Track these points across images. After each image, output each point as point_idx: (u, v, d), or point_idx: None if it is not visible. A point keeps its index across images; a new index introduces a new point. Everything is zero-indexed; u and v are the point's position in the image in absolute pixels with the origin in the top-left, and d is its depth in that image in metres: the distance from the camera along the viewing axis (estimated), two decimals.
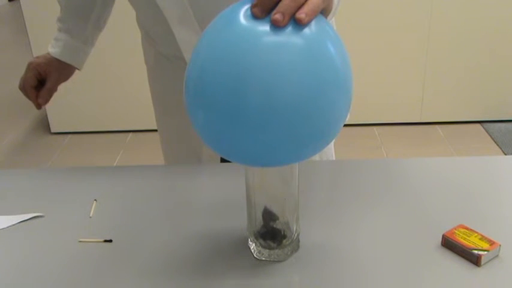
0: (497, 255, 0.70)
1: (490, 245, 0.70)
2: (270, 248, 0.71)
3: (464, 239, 0.71)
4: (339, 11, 0.77)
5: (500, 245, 0.70)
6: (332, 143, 1.05)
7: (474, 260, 0.69)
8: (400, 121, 2.87)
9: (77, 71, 1.10)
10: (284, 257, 0.72)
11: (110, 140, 2.90)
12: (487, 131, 2.77)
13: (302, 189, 0.86)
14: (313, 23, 0.56)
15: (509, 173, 0.90)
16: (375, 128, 2.86)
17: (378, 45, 2.69)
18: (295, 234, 0.72)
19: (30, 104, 2.69)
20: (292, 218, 0.70)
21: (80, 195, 0.89)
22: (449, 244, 0.72)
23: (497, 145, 2.64)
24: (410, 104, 2.83)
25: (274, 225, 0.70)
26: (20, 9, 2.72)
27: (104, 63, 2.73)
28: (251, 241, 0.73)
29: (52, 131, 2.99)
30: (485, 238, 0.71)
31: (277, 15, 0.54)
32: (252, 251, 0.73)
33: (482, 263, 0.69)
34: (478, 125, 2.84)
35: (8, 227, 0.82)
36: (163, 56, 1.03)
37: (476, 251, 0.69)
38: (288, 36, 0.54)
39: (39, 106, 1.05)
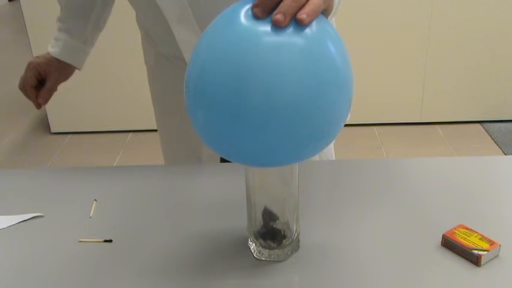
0: (497, 255, 0.70)
1: (490, 245, 0.70)
2: (270, 248, 0.71)
3: (464, 239, 0.71)
4: (339, 11, 0.77)
5: (500, 245, 0.70)
6: (332, 143, 1.05)
7: (474, 260, 0.69)
8: (400, 121, 2.87)
9: (76, 71, 1.10)
10: (284, 257, 0.72)
11: (110, 140, 2.90)
12: (487, 131, 2.77)
13: (302, 189, 0.86)
14: (314, 23, 0.56)
15: (509, 173, 0.90)
16: (375, 128, 2.86)
17: (378, 45, 2.69)
18: (295, 234, 0.72)
19: (30, 104, 2.69)
20: (292, 218, 0.70)
21: (80, 195, 0.89)
22: (449, 244, 0.72)
23: (497, 145, 2.64)
24: (410, 104, 2.83)
25: (274, 225, 0.70)
26: (20, 9, 2.72)
27: (104, 63, 2.73)
28: (251, 241, 0.73)
29: (52, 131, 2.99)
30: (485, 238, 0.71)
31: (278, 16, 0.54)
32: (252, 251, 0.73)
33: (482, 263, 0.69)
34: (478, 125, 2.84)
35: (8, 227, 0.82)
36: (163, 56, 1.03)
37: (476, 251, 0.69)
38: (289, 37, 0.54)
39: (39, 106, 1.05)
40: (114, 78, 2.82)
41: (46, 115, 2.96)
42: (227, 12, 0.58)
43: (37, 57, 1.04)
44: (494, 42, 2.68)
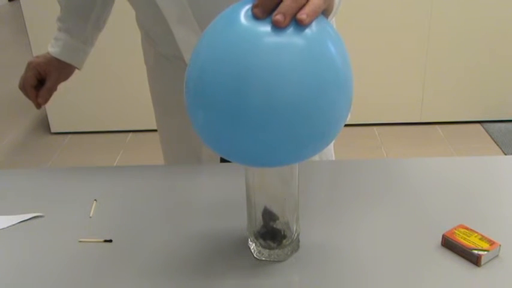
0: (497, 255, 0.70)
1: (490, 245, 0.70)
2: (270, 248, 0.71)
3: (464, 239, 0.71)
4: (340, 11, 0.77)
5: (500, 245, 0.70)
6: (332, 143, 1.05)
7: (474, 260, 0.69)
8: (400, 121, 2.87)
9: (76, 71, 1.10)
10: (284, 257, 0.72)
11: (110, 140, 2.90)
12: (487, 131, 2.77)
13: (302, 189, 0.86)
14: (314, 23, 0.56)
15: (509, 173, 0.90)
16: (375, 128, 2.86)
17: (378, 45, 2.69)
18: (295, 234, 0.72)
19: (30, 104, 2.69)
20: (292, 218, 0.70)
21: (80, 195, 0.89)
22: (449, 244, 0.72)
23: (497, 145, 2.64)
24: (410, 104, 2.83)
25: (274, 225, 0.70)
26: (20, 9, 2.72)
27: (104, 63, 2.73)
28: (251, 241, 0.73)
29: (52, 131, 2.99)
30: (485, 238, 0.71)
31: (278, 16, 0.54)
32: (252, 251, 0.73)
33: (482, 263, 0.69)
34: (478, 125, 2.84)
35: (8, 227, 0.82)
36: (163, 56, 1.03)
37: (476, 251, 0.69)
38: (289, 37, 0.54)
39: (38, 106, 1.05)
40: (114, 78, 2.82)
41: (46, 115, 2.96)
42: (227, 12, 0.58)
43: (37, 57, 1.04)
44: (494, 42, 2.68)
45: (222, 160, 1.06)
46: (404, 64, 2.74)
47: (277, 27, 0.54)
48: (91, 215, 0.84)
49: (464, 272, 0.68)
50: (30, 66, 1.03)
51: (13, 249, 0.77)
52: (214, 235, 0.77)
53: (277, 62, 0.53)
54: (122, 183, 0.92)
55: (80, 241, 0.77)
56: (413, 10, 2.62)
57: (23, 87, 1.03)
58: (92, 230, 0.80)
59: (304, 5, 0.55)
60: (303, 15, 0.54)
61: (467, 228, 0.73)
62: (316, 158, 1.02)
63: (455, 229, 0.73)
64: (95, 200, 0.87)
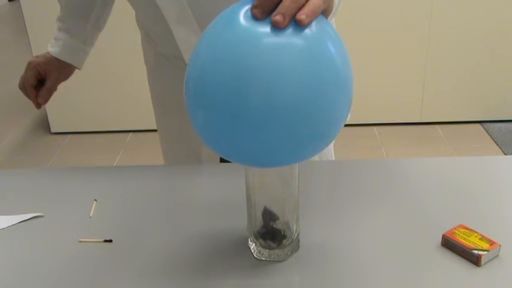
0: (497, 255, 0.70)
1: (490, 245, 0.70)
2: (270, 248, 0.71)
3: (464, 239, 0.71)
4: (339, 11, 0.77)
5: (500, 245, 0.70)
6: (332, 144, 1.05)
7: (474, 260, 0.69)
8: (400, 121, 2.87)
9: (76, 71, 1.10)
10: (284, 257, 0.72)
11: (110, 140, 2.90)
12: (487, 131, 2.77)
13: (302, 189, 0.86)
14: (313, 23, 0.56)
15: (509, 173, 0.90)
16: (375, 128, 2.87)
17: (378, 45, 2.69)
18: (295, 234, 0.72)
19: (30, 104, 2.69)
20: (292, 218, 0.70)
21: (80, 195, 0.89)
22: (449, 244, 0.72)
23: (497, 145, 2.64)
24: (410, 104, 2.83)
25: (274, 225, 0.70)
26: (20, 9, 2.72)
27: (104, 63, 2.73)
28: (251, 241, 0.73)
29: (52, 131, 2.99)
30: (485, 238, 0.71)
31: (277, 17, 0.54)
32: (252, 251, 0.73)
33: (482, 263, 0.69)
34: (478, 125, 2.84)
35: (8, 227, 0.82)
36: (163, 56, 1.03)
37: (476, 251, 0.69)
38: (289, 37, 0.54)
39: (38, 105, 1.05)
40: (114, 78, 2.82)
41: (46, 115, 2.96)
42: (227, 12, 0.58)
43: (37, 56, 1.04)
44: (494, 42, 2.68)
45: (222, 160, 1.06)
46: (404, 64, 2.74)
47: (277, 27, 0.54)
48: (91, 215, 0.84)
49: (464, 272, 0.68)
50: (30, 66, 1.03)
51: (13, 249, 0.77)
52: (214, 235, 0.77)
53: (276, 62, 0.53)
54: (122, 183, 0.92)
55: (80, 241, 0.77)
56: (413, 10, 2.62)
57: (23, 87, 1.03)
58: (92, 230, 0.80)
59: (303, 5, 0.55)
60: (302, 16, 0.54)
61: (467, 228, 0.73)
62: (316, 158, 1.02)
63: (455, 229, 0.73)
64: (95, 200, 0.87)
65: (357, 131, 2.81)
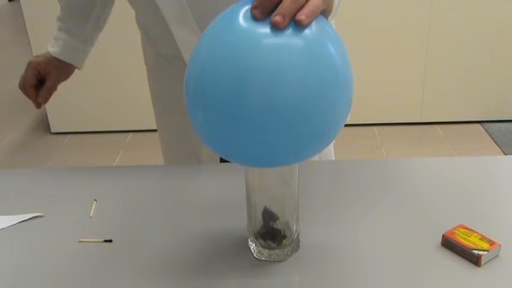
0: (497, 255, 0.70)
1: (490, 245, 0.70)
2: (270, 248, 0.71)
3: (464, 239, 0.71)
4: (339, 11, 0.77)
5: (500, 245, 0.70)
6: (332, 144, 1.05)
7: (474, 260, 0.69)
8: (400, 121, 2.87)
9: (76, 71, 1.10)
10: (284, 257, 0.72)
11: (110, 140, 2.90)
12: (487, 131, 2.77)
13: (302, 189, 0.86)
14: (313, 24, 0.56)
15: (509, 173, 0.90)
16: (375, 128, 2.87)
17: (378, 45, 2.69)
18: (295, 234, 0.72)
19: (30, 104, 2.69)
20: (292, 218, 0.70)
21: (80, 195, 0.89)
22: (449, 244, 0.72)
23: (497, 145, 2.64)
24: (410, 104, 2.83)
25: (274, 225, 0.70)
26: (20, 9, 2.72)
27: (104, 63, 2.73)
28: (251, 241, 0.73)
29: (52, 131, 2.99)
30: (485, 238, 0.71)
31: (277, 17, 0.54)
32: (252, 251, 0.73)
33: (482, 263, 0.69)
34: (478, 125, 2.84)
35: (8, 227, 0.82)
36: (163, 56, 1.03)
37: (476, 251, 0.69)
38: (288, 38, 0.54)
39: (38, 105, 1.05)
40: (114, 78, 2.82)
41: (46, 115, 2.96)
42: (226, 13, 0.58)
43: (37, 56, 1.04)
44: (494, 42, 2.68)
45: (222, 160, 1.06)
46: (404, 64, 2.74)
47: (277, 28, 0.54)
48: (91, 215, 0.84)
49: (464, 272, 0.68)
50: (30, 65, 1.03)
51: (13, 249, 0.77)
52: (214, 235, 0.77)
53: (276, 62, 0.53)
54: (122, 183, 0.92)
55: (80, 241, 0.77)
56: (413, 10, 2.62)
57: (23, 86, 1.03)
58: (92, 230, 0.80)
59: (303, 6, 0.55)
60: (302, 16, 0.54)
61: (467, 228, 0.73)
62: (316, 158, 1.02)
63: (455, 229, 0.73)
64: (95, 200, 0.87)
65: (357, 131, 2.81)
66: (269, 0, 0.55)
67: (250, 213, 0.71)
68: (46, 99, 1.05)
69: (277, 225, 0.70)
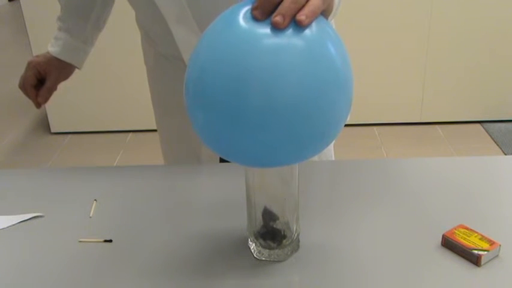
0: (497, 255, 0.70)
1: (490, 245, 0.70)
2: (270, 248, 0.71)
3: (464, 239, 0.71)
4: (339, 11, 0.77)
5: (500, 245, 0.70)
6: (332, 144, 1.05)
7: (474, 260, 0.69)
8: (400, 121, 2.87)
9: (77, 71, 1.10)
10: (284, 257, 0.72)
11: (110, 140, 2.90)
12: (487, 131, 2.77)
13: (302, 189, 0.86)
14: (313, 24, 0.56)
15: (509, 173, 0.90)
16: (375, 128, 2.87)
17: (378, 45, 2.69)
18: (295, 234, 0.72)
19: (30, 104, 2.69)
20: (292, 218, 0.70)
21: (80, 195, 0.89)
22: (449, 244, 0.72)
23: (497, 145, 2.64)
24: (410, 104, 2.83)
25: (274, 225, 0.70)
26: (20, 9, 2.72)
27: (104, 63, 2.73)
28: (251, 241, 0.73)
29: (52, 131, 2.99)
30: (485, 238, 0.71)
31: (277, 18, 0.54)
32: (252, 251, 0.73)
33: (482, 263, 0.69)
34: (478, 125, 2.84)
35: (8, 227, 0.82)
36: (162, 56, 1.03)
37: (476, 251, 0.69)
38: (288, 38, 0.54)
39: (38, 105, 1.05)
40: (114, 78, 2.82)
41: (46, 115, 2.96)
42: (227, 13, 0.58)
43: (37, 56, 1.05)
44: (494, 42, 2.68)
45: (222, 160, 1.06)
46: (404, 64, 2.74)
47: (277, 28, 0.54)
48: (91, 215, 0.84)
49: (464, 272, 0.68)
50: (30, 65, 1.03)
51: (13, 249, 0.77)
52: (214, 235, 0.77)
53: (276, 63, 0.53)
54: (122, 183, 0.92)
55: (80, 241, 0.77)
56: (413, 10, 2.62)
57: (23, 86, 1.03)
58: (92, 230, 0.80)
59: (303, 6, 0.55)
60: (302, 16, 0.54)
61: (467, 228, 0.73)
62: (315, 158, 1.02)
63: (455, 229, 0.73)
64: (95, 200, 0.87)
65: (357, 131, 2.81)
66: (269, 0, 0.55)
67: (250, 213, 0.71)
68: (46, 99, 1.05)
69: (277, 225, 0.70)
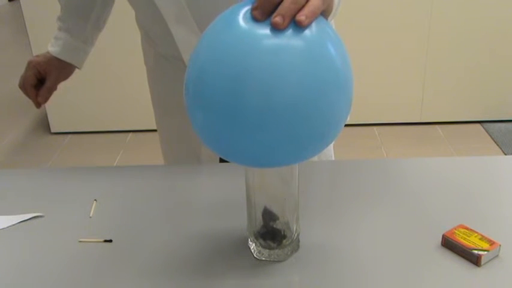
0: (497, 255, 0.70)
1: (490, 245, 0.70)
2: (270, 248, 0.71)
3: (464, 239, 0.71)
4: (339, 12, 0.77)
5: (500, 245, 0.70)
6: (332, 144, 1.05)
7: (474, 260, 0.69)
8: (400, 121, 2.87)
9: (77, 71, 1.10)
10: (284, 257, 0.72)
11: (110, 140, 2.90)
12: (487, 131, 2.77)
13: (302, 189, 0.86)
14: (313, 24, 0.56)
15: (509, 173, 0.90)
16: (375, 128, 2.87)
17: (378, 45, 2.69)
18: (295, 234, 0.72)
19: (30, 104, 2.69)
20: (292, 218, 0.70)
21: (80, 195, 0.89)
22: (449, 244, 0.72)
23: (497, 145, 2.64)
24: (410, 104, 2.83)
25: (274, 225, 0.70)
26: (20, 9, 2.72)
27: (104, 63, 2.73)
28: (251, 241, 0.73)
29: (52, 131, 2.99)
30: (485, 238, 0.71)
31: (277, 18, 0.54)
32: (252, 251, 0.73)
33: (482, 263, 0.69)
34: (478, 125, 2.84)
35: (8, 227, 0.82)
36: (162, 56, 1.03)
37: (476, 251, 0.69)
38: (288, 39, 0.54)
39: (38, 105, 1.05)
40: (114, 78, 2.82)
41: (46, 115, 2.96)
42: (226, 14, 0.58)
43: (37, 56, 1.05)
44: (494, 42, 2.68)
45: (222, 160, 1.06)
46: (404, 64, 2.74)
47: (277, 28, 0.54)
48: (91, 215, 0.84)
49: (464, 272, 0.68)
50: (30, 65, 1.03)
51: (13, 249, 0.77)
52: (214, 235, 0.77)
53: (276, 63, 0.53)
54: (122, 183, 0.92)
55: (80, 241, 0.77)
56: (413, 10, 2.62)
57: (23, 86, 1.03)
58: (92, 230, 0.80)
59: (303, 6, 0.55)
60: (301, 17, 0.54)
61: (467, 228, 0.73)
62: (315, 158, 1.02)
63: (455, 229, 0.73)
64: (95, 200, 0.87)
65: (357, 131, 2.81)
66: (269, 1, 0.55)
67: (250, 213, 0.71)
68: (46, 99, 1.05)
69: (277, 225, 0.70)
